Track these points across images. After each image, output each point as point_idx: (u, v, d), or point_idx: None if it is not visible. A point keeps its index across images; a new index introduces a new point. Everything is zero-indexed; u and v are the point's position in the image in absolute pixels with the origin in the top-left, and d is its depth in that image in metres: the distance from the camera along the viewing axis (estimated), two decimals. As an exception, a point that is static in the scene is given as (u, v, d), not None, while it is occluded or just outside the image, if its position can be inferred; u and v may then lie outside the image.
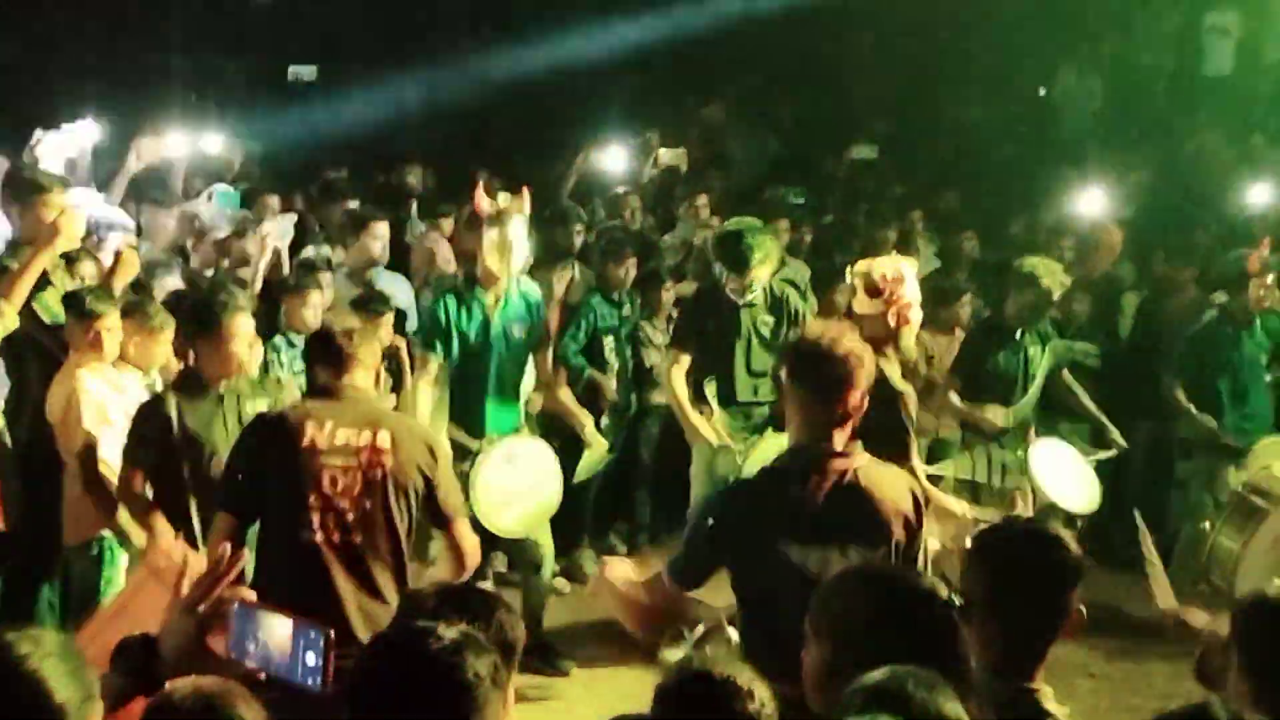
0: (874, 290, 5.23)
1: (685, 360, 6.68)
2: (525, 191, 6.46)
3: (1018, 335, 7.14)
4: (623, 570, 4.10)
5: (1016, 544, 2.95)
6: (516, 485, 6.07)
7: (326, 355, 4.46)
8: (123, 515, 5.30)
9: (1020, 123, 14.09)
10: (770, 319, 6.72)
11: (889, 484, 3.87)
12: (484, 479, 5.94)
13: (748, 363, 6.68)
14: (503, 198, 6.28)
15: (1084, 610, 2.92)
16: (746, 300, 6.63)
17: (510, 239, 6.17)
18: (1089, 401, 7.46)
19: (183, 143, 8.91)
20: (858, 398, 3.83)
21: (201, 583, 2.66)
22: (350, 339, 4.42)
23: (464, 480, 5.87)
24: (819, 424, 3.82)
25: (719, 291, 6.75)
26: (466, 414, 6.30)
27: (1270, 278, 7.44)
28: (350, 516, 4.29)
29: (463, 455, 6.08)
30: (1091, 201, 9.25)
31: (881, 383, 5.10)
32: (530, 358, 6.56)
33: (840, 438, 3.82)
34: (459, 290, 6.33)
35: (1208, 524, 6.37)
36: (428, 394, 6.16)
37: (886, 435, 4.85)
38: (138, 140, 8.25)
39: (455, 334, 6.26)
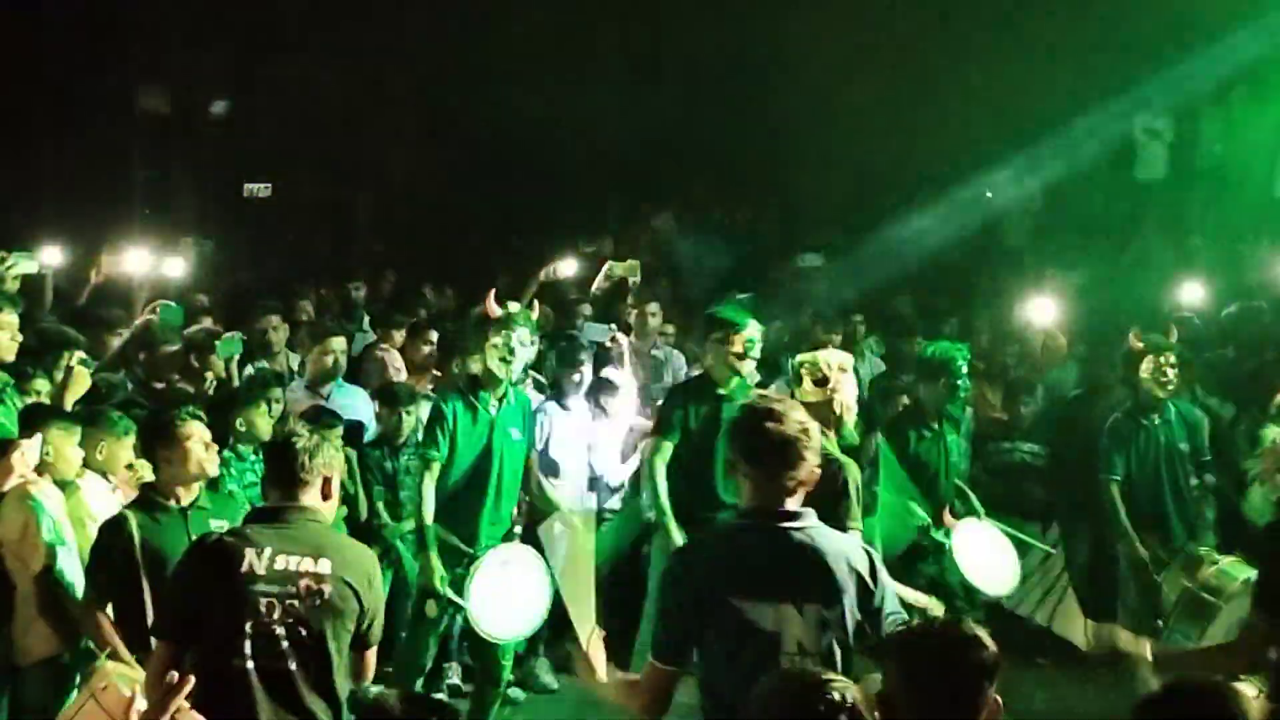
0: (820, 380, 5.50)
1: (668, 448, 6.65)
2: (536, 304, 6.74)
3: (935, 424, 7.21)
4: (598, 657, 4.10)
5: (932, 643, 3.04)
6: (511, 592, 6.10)
7: (280, 474, 4.43)
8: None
9: (965, 227, 14.37)
10: None
11: (841, 543, 3.94)
12: (479, 585, 6.00)
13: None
14: (513, 305, 6.43)
15: (999, 701, 3.02)
16: (730, 392, 6.62)
17: (516, 344, 6.30)
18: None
19: (143, 260, 9.00)
20: (805, 470, 3.89)
21: (148, 715, 2.66)
22: (308, 459, 4.38)
23: (460, 585, 6.06)
24: (768, 493, 3.89)
25: (705, 381, 6.80)
26: (466, 519, 6.32)
27: (1162, 358, 7.40)
28: (284, 644, 4.24)
29: (457, 558, 6.21)
30: (1037, 306, 9.42)
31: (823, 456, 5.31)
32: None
33: (792, 503, 3.89)
34: (463, 392, 6.40)
35: (1161, 622, 6.37)
36: (431, 493, 6.21)
37: (826, 506, 4.94)
38: (98, 257, 8.35)
39: (460, 437, 6.31)
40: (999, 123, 14.14)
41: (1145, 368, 7.42)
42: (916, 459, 7.08)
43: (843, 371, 5.65)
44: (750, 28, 14.53)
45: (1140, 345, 7.51)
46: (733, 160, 14.97)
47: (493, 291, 6.53)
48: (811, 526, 3.89)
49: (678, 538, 6.39)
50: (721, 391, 6.65)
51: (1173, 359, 7.42)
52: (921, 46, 14.22)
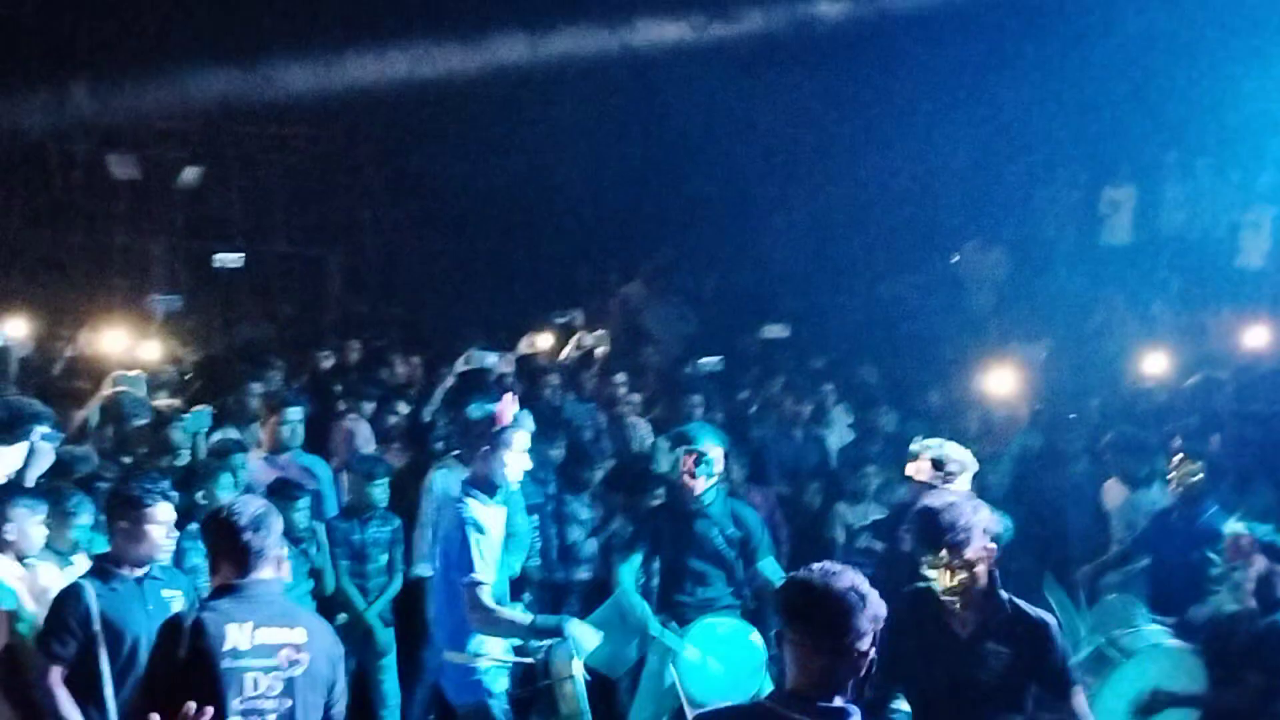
0: (940, 466, 5.82)
1: (636, 560, 6.81)
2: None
3: None
4: None
5: None
6: None
7: (231, 552, 4.39)
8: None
9: (930, 295, 14.50)
10: (730, 525, 6.80)
11: None
12: None
13: (698, 565, 6.77)
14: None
15: None
16: (705, 508, 6.74)
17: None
18: None
19: (120, 339, 9.03)
20: (864, 643, 3.29)
21: None
22: (256, 535, 4.35)
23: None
24: (815, 671, 3.31)
25: (679, 499, 6.87)
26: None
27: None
28: (272, 717, 4.26)
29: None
30: (1000, 375, 9.49)
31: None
32: None
33: (838, 695, 3.29)
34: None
35: None
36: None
37: (1034, 670, 4.74)
38: (76, 333, 8.38)
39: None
40: (965, 191, 14.34)
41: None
42: None
43: (961, 469, 5.97)
44: (719, 97, 14.71)
45: None
46: (701, 228, 15.09)
47: (510, 395, 5.93)
48: None
49: (672, 641, 6.52)
50: (693, 507, 6.76)
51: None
52: (888, 116, 14.41)
